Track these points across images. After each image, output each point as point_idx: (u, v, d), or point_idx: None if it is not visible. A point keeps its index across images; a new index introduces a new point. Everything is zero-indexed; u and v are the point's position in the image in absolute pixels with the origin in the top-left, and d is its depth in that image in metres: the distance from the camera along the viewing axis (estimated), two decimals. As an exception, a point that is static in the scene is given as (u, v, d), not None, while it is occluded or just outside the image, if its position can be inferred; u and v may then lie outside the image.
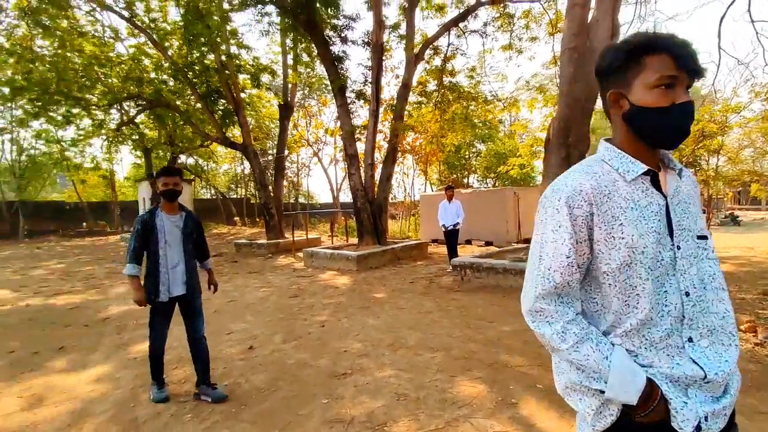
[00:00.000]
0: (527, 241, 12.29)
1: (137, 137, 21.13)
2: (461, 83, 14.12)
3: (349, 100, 11.40)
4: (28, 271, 11.19)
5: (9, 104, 18.82)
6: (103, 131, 18.67)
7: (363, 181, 11.04)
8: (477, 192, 14.55)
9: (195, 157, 30.08)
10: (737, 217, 30.51)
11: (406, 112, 13.76)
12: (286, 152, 19.25)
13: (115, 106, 17.30)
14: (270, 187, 15.23)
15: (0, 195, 25.55)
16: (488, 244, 12.86)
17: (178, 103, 16.41)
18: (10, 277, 10.08)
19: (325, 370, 3.75)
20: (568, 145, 7.20)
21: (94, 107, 16.40)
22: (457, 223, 8.63)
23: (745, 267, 7.60)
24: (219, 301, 6.85)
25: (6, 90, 14.50)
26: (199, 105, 15.77)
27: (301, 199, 39.30)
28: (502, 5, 13.02)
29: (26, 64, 13.76)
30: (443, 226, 8.74)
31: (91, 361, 4.28)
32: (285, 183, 39.80)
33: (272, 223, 14.26)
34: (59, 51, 14.22)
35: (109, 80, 15.84)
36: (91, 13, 14.85)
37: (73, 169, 24.21)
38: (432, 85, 13.89)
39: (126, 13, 13.58)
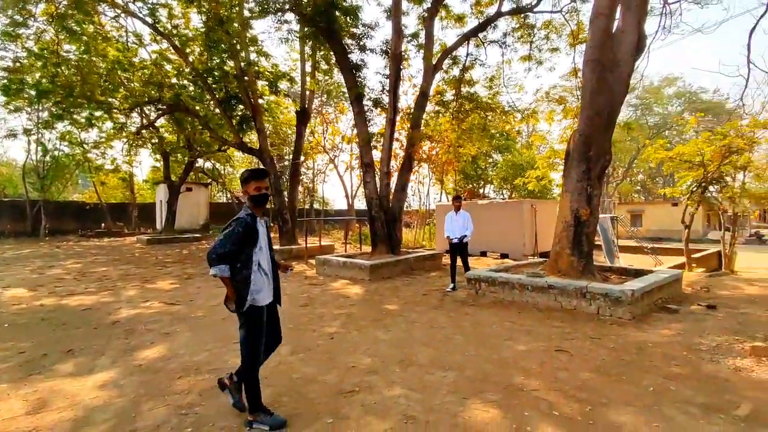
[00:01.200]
0: (544, 255, 11.98)
1: (156, 141, 21.53)
2: (479, 93, 13.99)
3: (366, 108, 11.36)
4: (46, 270, 11.36)
5: (35, 106, 19.36)
6: (124, 134, 19.05)
7: (378, 190, 10.94)
8: (494, 204, 14.32)
9: (212, 162, 30.50)
10: (762, 235, 29.53)
11: (423, 121, 13.67)
12: (302, 158, 19.31)
13: (136, 109, 17.66)
14: (285, 193, 15.25)
15: (24, 194, 26.29)
16: (504, 256, 12.60)
17: (197, 108, 16.66)
18: (28, 276, 10.24)
19: (332, 387, 3.61)
20: (588, 158, 6.99)
21: (116, 110, 16.75)
22: (465, 236, 7.97)
23: (775, 290, 7.23)
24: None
25: (33, 92, 14.89)
26: (217, 110, 15.99)
27: (316, 206, 39.48)
28: (522, 16, 12.89)
29: (52, 68, 14.14)
30: (448, 238, 8.15)
31: (97, 366, 4.23)
32: (300, 189, 40.19)
33: (286, 229, 14.26)
34: (84, 56, 14.59)
35: (131, 84, 16.19)
36: (116, 19, 15.23)
37: (94, 170, 24.74)
38: (450, 95, 13.79)
39: (149, 20, 13.87)
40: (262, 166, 16.37)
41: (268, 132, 20.35)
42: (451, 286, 7.84)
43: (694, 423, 2.85)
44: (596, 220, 7.10)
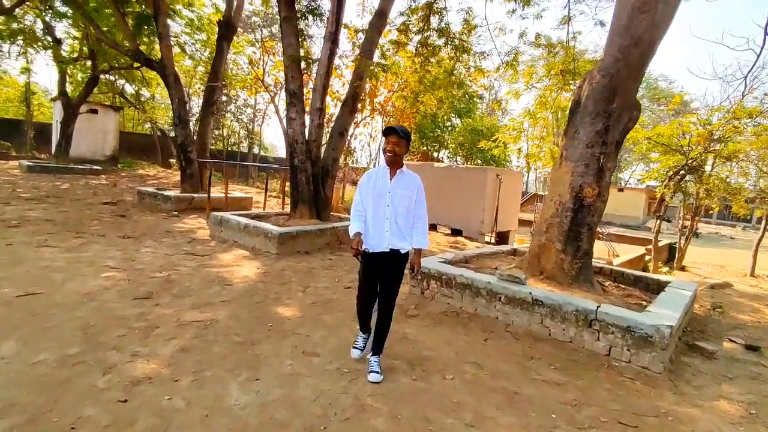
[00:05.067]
0: (502, 235, 9.94)
1: (49, 39, 16.52)
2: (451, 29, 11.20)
3: (298, 14, 8.18)
4: None
5: None
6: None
7: (307, 133, 8.13)
8: (453, 168, 11.95)
9: (134, 85, 25.34)
10: (698, 229, 30.25)
11: (378, 53, 10.77)
12: (223, 82, 15.45)
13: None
14: (191, 124, 11.91)
15: None
16: (456, 233, 10.43)
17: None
18: None
19: None
20: (609, 113, 4.67)
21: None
22: (399, 247, 3.02)
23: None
24: (8, 290, 3.97)
25: None
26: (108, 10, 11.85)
27: (257, 150, 35.48)
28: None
29: None
30: (357, 239, 2.97)
31: None
32: (238, 128, 35.69)
33: (189, 171, 11.08)
34: None
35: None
36: None
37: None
38: (414, 19, 10.83)
39: None
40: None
41: (184, 47, 16.46)
42: (362, 337, 3.35)
43: None
44: (604, 205, 4.89)
